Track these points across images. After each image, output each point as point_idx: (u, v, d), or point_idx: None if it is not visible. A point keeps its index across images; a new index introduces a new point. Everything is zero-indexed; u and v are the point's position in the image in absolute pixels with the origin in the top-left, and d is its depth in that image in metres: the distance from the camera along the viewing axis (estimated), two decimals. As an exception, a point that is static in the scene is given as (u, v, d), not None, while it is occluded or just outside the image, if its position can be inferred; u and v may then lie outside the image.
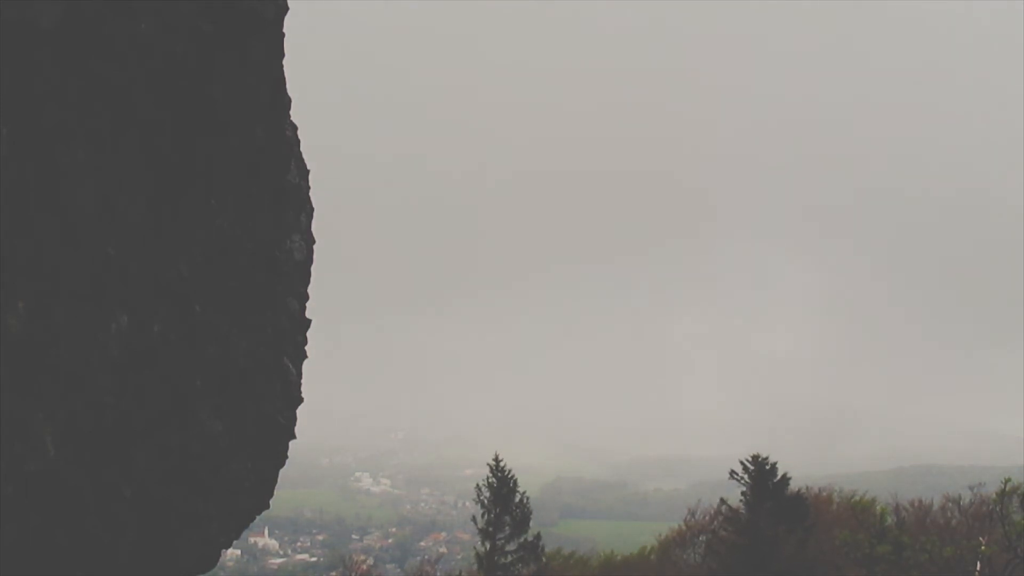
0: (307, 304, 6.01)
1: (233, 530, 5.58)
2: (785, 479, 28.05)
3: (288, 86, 5.31)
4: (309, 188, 5.90)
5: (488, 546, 27.51)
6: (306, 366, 6.02)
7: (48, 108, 3.81)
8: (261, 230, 5.30)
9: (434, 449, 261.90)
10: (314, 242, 6.00)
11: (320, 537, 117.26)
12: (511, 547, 27.54)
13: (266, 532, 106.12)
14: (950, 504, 33.13)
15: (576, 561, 35.40)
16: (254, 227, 5.22)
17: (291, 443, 5.99)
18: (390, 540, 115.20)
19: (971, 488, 31.52)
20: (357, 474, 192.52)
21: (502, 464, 28.02)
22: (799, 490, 30.78)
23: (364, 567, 39.73)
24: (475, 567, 29.54)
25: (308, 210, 5.91)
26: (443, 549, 78.61)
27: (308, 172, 5.85)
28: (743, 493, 28.10)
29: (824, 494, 36.34)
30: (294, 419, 5.92)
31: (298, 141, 5.65)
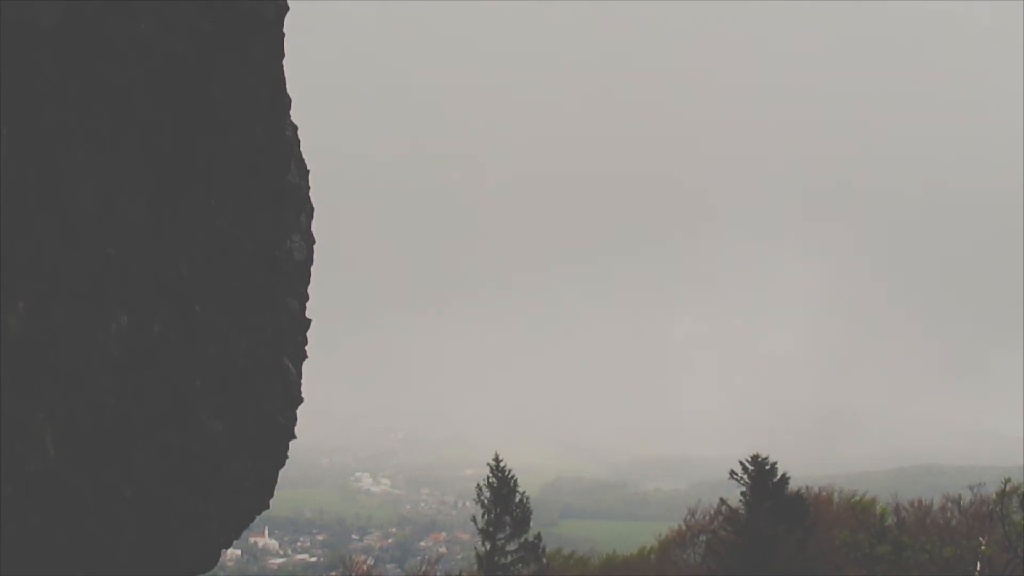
0: (307, 304, 6.01)
1: (233, 530, 5.58)
2: (785, 479, 28.05)
3: (288, 86, 5.31)
4: (309, 188, 5.90)
5: (488, 546, 27.51)
6: (306, 366, 6.02)
7: (48, 108, 3.81)
8: (261, 230, 5.30)
9: (434, 449, 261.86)
10: (314, 242, 6.00)
11: (320, 537, 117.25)
12: (511, 547, 27.54)
13: (266, 532, 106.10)
14: (950, 504, 33.12)
15: (576, 561, 35.39)
16: (254, 227, 5.22)
17: (291, 443, 5.99)
18: (390, 540, 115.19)
19: (971, 488, 31.50)
20: (357, 474, 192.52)
21: (502, 464, 28.02)
22: (799, 490, 30.78)
23: (364, 567, 39.70)
24: (475, 567, 29.54)
25: (308, 210, 5.91)
26: (443, 549, 78.57)
27: (308, 172, 5.86)
28: (743, 493, 28.10)
29: (824, 494, 36.34)
30: (294, 419, 5.92)
31: (298, 141, 5.65)
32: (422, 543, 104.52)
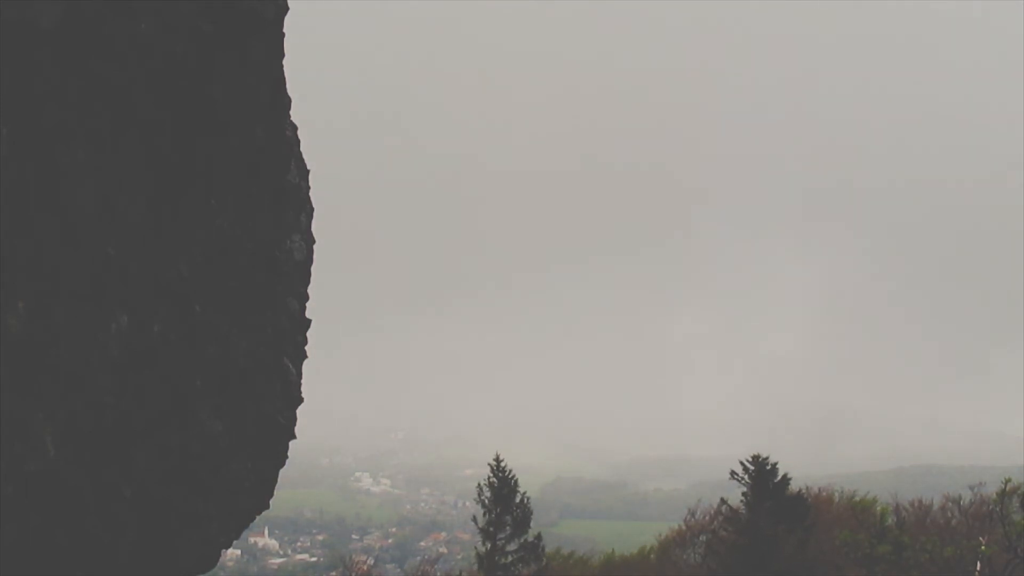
0: (307, 304, 6.01)
1: (233, 530, 5.58)
2: (785, 479, 28.02)
3: (288, 86, 5.31)
4: (309, 188, 5.90)
5: (489, 546, 27.49)
6: (306, 366, 6.02)
7: (48, 108, 3.81)
8: (261, 230, 5.30)
9: (434, 449, 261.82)
10: (314, 242, 6.00)
11: (320, 537, 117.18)
12: (512, 547, 27.53)
13: (266, 532, 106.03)
14: (950, 504, 33.09)
15: (576, 561, 35.36)
16: (254, 227, 5.22)
17: (291, 443, 5.99)
18: (390, 540, 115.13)
19: (971, 488, 31.50)
20: (357, 474, 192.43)
21: (503, 464, 28.01)
22: (799, 490, 30.76)
23: (364, 567, 39.67)
24: (475, 567, 29.54)
25: (308, 210, 5.91)
26: (443, 549, 78.55)
27: (308, 172, 5.86)
28: (743, 493, 28.08)
29: (824, 494, 36.31)
30: (294, 419, 5.92)
31: (298, 141, 5.65)
32: (422, 543, 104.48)
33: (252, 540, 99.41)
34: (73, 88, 3.90)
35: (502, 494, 27.71)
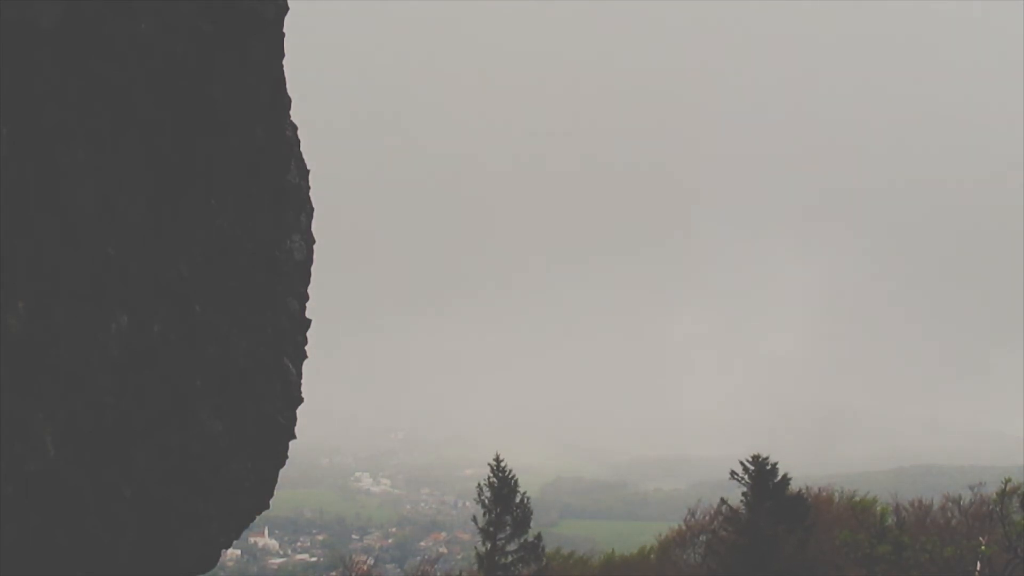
0: (307, 304, 6.01)
1: (233, 530, 5.58)
2: (786, 479, 28.02)
3: (288, 86, 5.31)
4: (309, 188, 5.91)
5: (489, 546, 27.49)
6: (306, 366, 6.02)
7: (48, 108, 3.81)
8: (261, 230, 5.30)
9: (434, 449, 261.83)
10: (314, 242, 6.00)
11: (320, 537, 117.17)
12: (512, 547, 27.53)
13: (266, 532, 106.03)
14: (950, 504, 33.09)
15: (576, 561, 35.36)
16: (254, 227, 5.22)
17: (291, 443, 5.99)
18: (390, 540, 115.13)
19: (971, 488, 31.50)
20: (357, 474, 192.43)
21: (503, 464, 28.02)
22: (799, 490, 30.76)
23: (364, 567, 39.66)
24: (475, 567, 29.54)
25: (308, 210, 5.91)
26: (443, 549, 78.57)
27: (308, 172, 5.86)
28: (744, 493, 28.08)
29: (824, 494, 36.32)
30: (294, 419, 5.92)
31: (298, 141, 5.65)
32: (422, 543, 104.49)
33: (252, 540, 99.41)
34: (73, 88, 3.90)
35: (502, 494, 27.71)
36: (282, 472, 6.01)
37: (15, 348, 3.66)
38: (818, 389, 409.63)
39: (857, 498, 31.88)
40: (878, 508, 27.52)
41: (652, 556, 34.80)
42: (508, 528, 27.54)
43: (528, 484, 30.85)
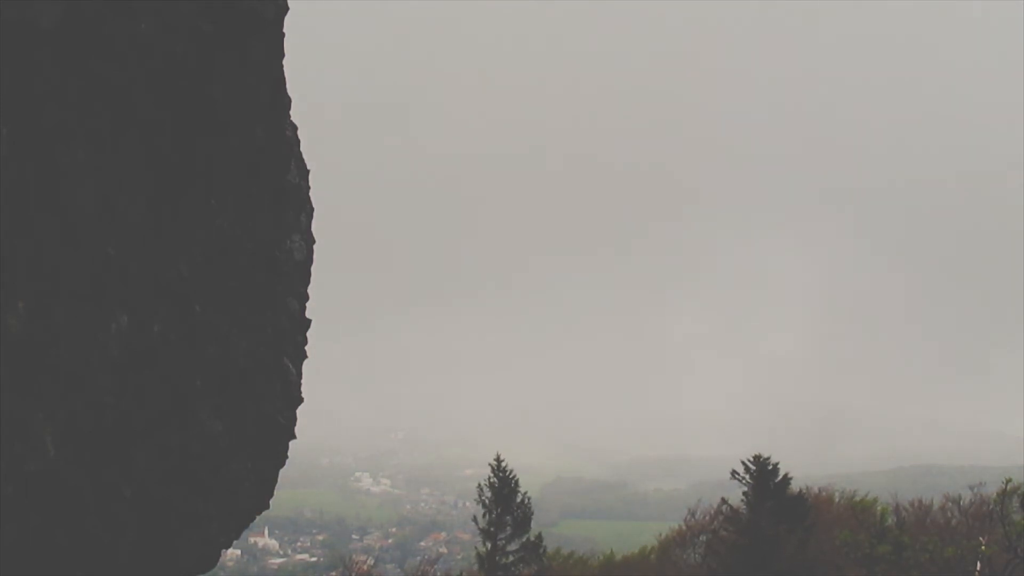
0: (307, 304, 6.01)
1: (233, 530, 5.58)
2: (787, 479, 28.02)
3: (288, 86, 5.31)
4: (309, 188, 5.90)
5: (489, 546, 27.48)
6: (306, 366, 6.02)
7: (48, 108, 3.80)
8: (261, 230, 5.30)
9: (434, 449, 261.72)
10: (314, 242, 6.00)
11: (320, 537, 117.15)
12: (512, 547, 27.53)
13: (266, 532, 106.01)
14: (950, 504, 33.07)
15: (576, 561, 35.35)
16: (254, 227, 5.22)
17: (291, 443, 5.99)
18: (390, 540, 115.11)
19: (971, 488, 31.47)
20: (357, 474, 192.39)
21: (503, 464, 28.01)
22: (799, 490, 30.75)
23: (364, 567, 39.65)
24: (475, 567, 29.53)
25: (308, 210, 5.91)
26: (443, 549, 78.55)
27: (308, 172, 5.85)
28: (744, 493, 28.08)
29: (824, 494, 36.31)
30: (294, 419, 5.91)
31: (298, 141, 5.65)
32: (422, 543, 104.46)
33: (252, 540, 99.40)
34: (73, 88, 3.90)
35: (503, 494, 27.70)
36: (282, 472, 6.00)
37: (15, 348, 3.66)
38: (818, 389, 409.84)
39: (857, 498, 31.89)
40: (878, 508, 27.53)
41: (652, 556, 34.79)
42: (509, 528, 27.54)
43: (528, 484, 30.83)
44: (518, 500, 27.77)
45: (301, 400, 5.96)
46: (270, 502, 5.95)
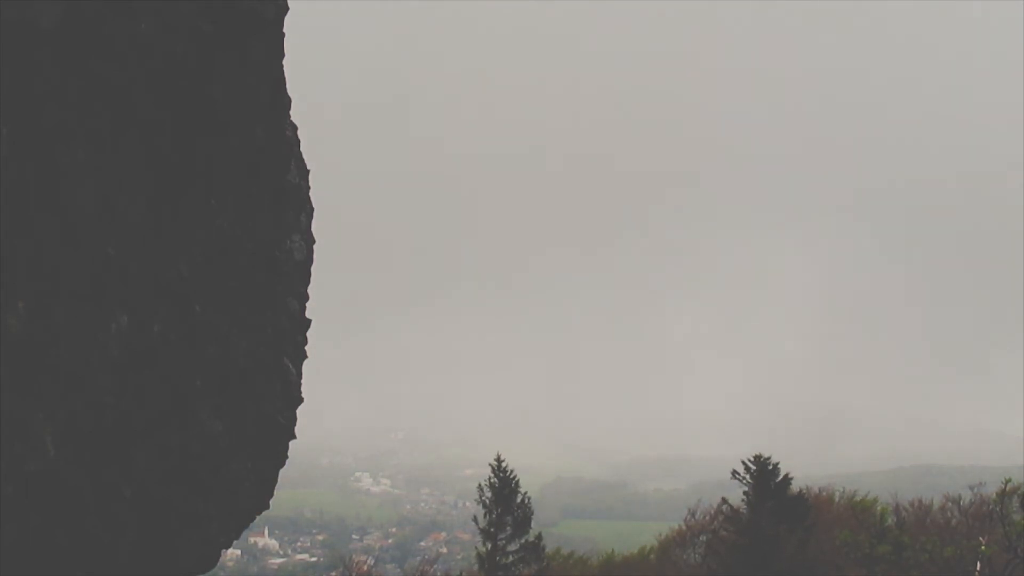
0: (307, 304, 6.01)
1: (233, 530, 5.58)
2: (787, 479, 28.02)
3: (288, 86, 5.31)
4: (309, 188, 5.90)
5: (489, 546, 27.47)
6: (306, 366, 6.02)
7: (48, 108, 3.80)
8: (261, 230, 5.30)
9: (434, 449, 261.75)
10: (314, 242, 6.00)
11: (320, 537, 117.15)
12: (512, 547, 27.51)
13: (266, 532, 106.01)
14: (950, 504, 33.09)
15: (576, 561, 35.35)
16: (254, 227, 5.22)
17: (291, 443, 5.99)
18: (390, 540, 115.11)
19: (971, 488, 31.48)
20: (357, 474, 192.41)
21: (504, 464, 28.00)
22: (800, 490, 30.75)
23: (364, 567, 39.65)
24: (475, 567, 29.52)
25: (308, 210, 5.91)
26: (443, 549, 78.57)
27: (308, 172, 5.85)
28: (745, 493, 28.08)
29: (824, 494, 36.31)
30: (294, 419, 5.91)
31: (298, 141, 5.65)
32: (422, 543, 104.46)
33: (252, 540, 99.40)
34: (73, 88, 3.90)
35: (503, 494, 27.69)
36: (282, 472, 6.00)
37: (15, 348, 3.66)
38: (818, 389, 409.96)
39: (857, 498, 31.89)
40: (878, 508, 27.54)
41: (652, 556, 34.79)
42: (509, 528, 27.52)
43: (528, 484, 30.82)
44: (518, 500, 27.75)
45: (301, 400, 5.96)
46: (270, 502, 5.95)
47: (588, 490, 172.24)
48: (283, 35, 5.11)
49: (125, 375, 4.26)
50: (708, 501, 34.85)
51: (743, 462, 28.08)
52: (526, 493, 28.33)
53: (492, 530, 27.42)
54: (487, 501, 27.78)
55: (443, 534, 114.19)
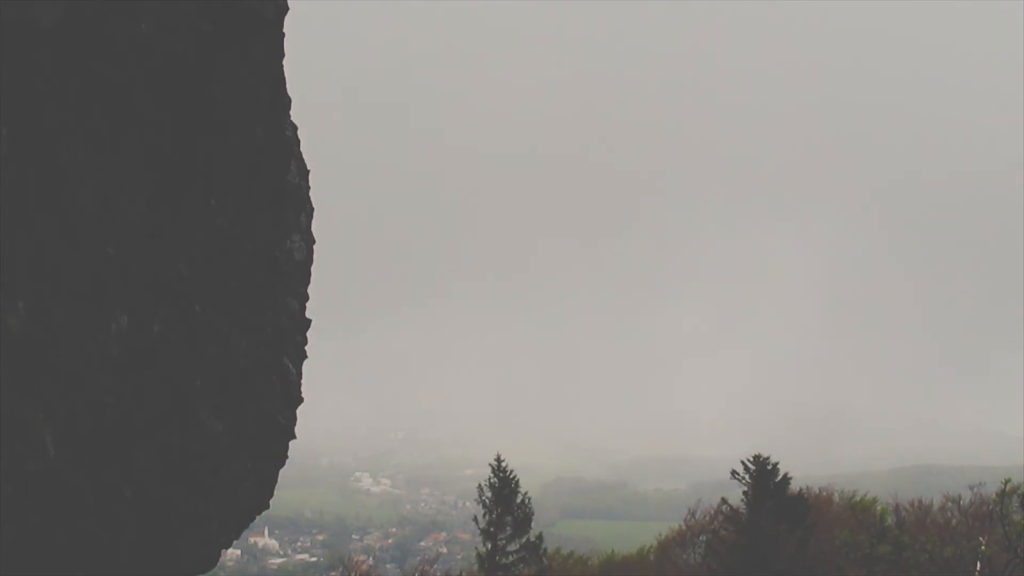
0: (307, 304, 6.01)
1: (233, 530, 5.58)
2: (787, 479, 28.04)
3: (288, 86, 5.30)
4: (309, 188, 5.90)
5: (490, 546, 27.48)
6: (306, 366, 6.02)
7: (48, 108, 3.80)
8: (261, 230, 5.30)
9: (434, 449, 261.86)
10: (314, 242, 5.99)
11: (320, 537, 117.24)
12: (512, 547, 27.52)
13: (266, 532, 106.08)
14: (950, 504, 33.10)
15: (576, 561, 35.36)
16: (254, 227, 5.22)
17: (291, 443, 5.99)
18: (390, 540, 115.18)
19: (971, 488, 31.48)
20: (357, 474, 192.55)
21: (504, 464, 28.01)
22: (799, 490, 30.76)
23: (364, 567, 39.70)
24: (475, 567, 29.52)
25: (308, 210, 5.91)
26: (443, 549, 78.62)
27: (308, 172, 5.85)
28: (744, 492, 28.09)
29: (824, 494, 36.33)
30: (294, 419, 5.91)
31: (298, 141, 5.65)
32: (422, 543, 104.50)
33: (252, 540, 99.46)
34: (73, 88, 3.90)
35: (503, 494, 27.71)
36: (282, 472, 6.00)
37: (15, 348, 3.66)
38: (818, 389, 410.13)
39: (857, 498, 31.88)
40: (878, 508, 27.51)
41: (652, 556, 34.81)
42: (509, 528, 27.53)
43: (528, 484, 30.84)
44: (518, 500, 27.77)
45: (301, 400, 5.96)
46: (270, 502, 5.95)
47: (588, 490, 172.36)
48: (283, 35, 5.11)
49: (125, 375, 4.26)
50: (708, 501, 34.86)
51: (743, 462, 28.08)
52: (526, 493, 28.34)
53: (492, 530, 27.43)
54: (487, 501, 27.79)
55: (443, 534, 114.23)
